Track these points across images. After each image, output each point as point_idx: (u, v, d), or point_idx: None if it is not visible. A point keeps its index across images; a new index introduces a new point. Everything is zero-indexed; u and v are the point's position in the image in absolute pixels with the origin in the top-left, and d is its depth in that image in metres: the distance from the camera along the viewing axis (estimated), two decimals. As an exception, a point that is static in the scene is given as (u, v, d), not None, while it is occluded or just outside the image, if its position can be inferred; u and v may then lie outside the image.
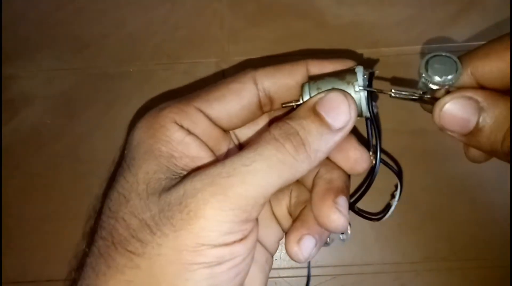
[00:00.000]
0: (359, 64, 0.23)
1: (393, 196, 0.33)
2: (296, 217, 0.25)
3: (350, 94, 0.21)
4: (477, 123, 0.20)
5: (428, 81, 0.21)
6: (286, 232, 0.24)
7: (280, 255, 0.35)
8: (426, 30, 0.37)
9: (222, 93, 0.22)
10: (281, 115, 0.26)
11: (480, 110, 0.20)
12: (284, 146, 0.19)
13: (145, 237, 0.18)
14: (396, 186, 0.33)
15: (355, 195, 0.27)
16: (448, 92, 0.21)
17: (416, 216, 0.35)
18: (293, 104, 0.22)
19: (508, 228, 0.34)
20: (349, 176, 0.25)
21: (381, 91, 0.22)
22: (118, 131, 0.37)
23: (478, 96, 0.20)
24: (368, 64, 0.36)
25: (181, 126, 0.21)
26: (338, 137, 0.20)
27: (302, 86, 0.22)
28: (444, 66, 0.21)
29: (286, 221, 0.27)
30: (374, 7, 0.38)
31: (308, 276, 0.33)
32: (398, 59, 0.37)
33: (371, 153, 0.24)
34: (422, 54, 0.37)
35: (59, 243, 0.35)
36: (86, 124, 0.37)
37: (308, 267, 0.33)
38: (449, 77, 0.21)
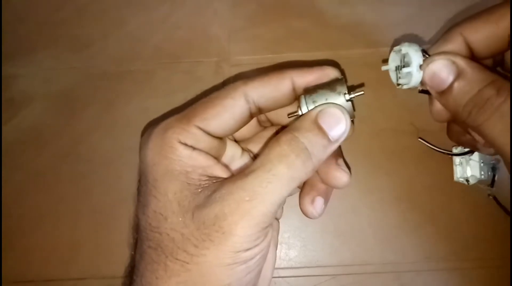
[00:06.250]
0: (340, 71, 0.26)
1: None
2: (304, 183, 0.29)
3: (346, 109, 0.24)
4: (451, 84, 0.23)
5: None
6: (300, 196, 0.29)
7: (280, 255, 0.35)
8: (426, 30, 0.37)
9: (217, 110, 0.25)
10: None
11: (458, 73, 0.23)
12: (294, 163, 0.23)
13: (190, 249, 0.22)
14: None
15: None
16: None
17: (416, 216, 0.35)
18: (297, 114, 0.26)
19: (508, 228, 0.34)
20: None
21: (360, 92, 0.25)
22: (118, 130, 0.37)
23: (461, 61, 0.23)
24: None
25: (186, 144, 0.24)
26: (335, 146, 0.24)
27: (299, 98, 0.25)
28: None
29: None
30: (374, 7, 0.38)
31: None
32: (398, 59, 0.37)
33: None
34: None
35: (59, 243, 0.35)
36: (86, 124, 0.37)
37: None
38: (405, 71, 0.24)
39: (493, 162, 0.35)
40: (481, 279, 0.34)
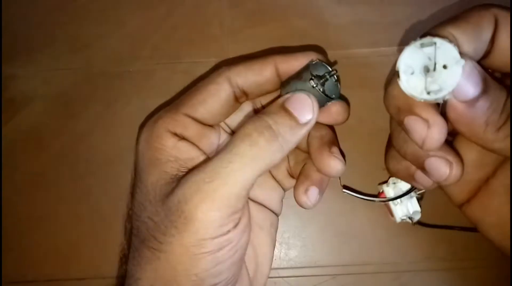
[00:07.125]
0: (319, 58, 0.26)
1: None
2: (299, 173, 0.29)
3: (313, 94, 0.25)
4: (482, 92, 0.20)
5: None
6: (294, 187, 0.28)
7: (280, 255, 0.35)
8: (426, 30, 0.37)
9: (203, 96, 0.26)
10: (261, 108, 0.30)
11: (484, 79, 0.20)
12: (257, 141, 0.22)
13: (159, 237, 0.23)
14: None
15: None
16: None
17: (416, 216, 0.35)
18: None
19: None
20: (334, 130, 0.30)
21: (333, 70, 0.25)
22: (117, 130, 0.37)
23: (479, 67, 0.20)
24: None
25: (174, 133, 0.24)
26: (304, 130, 0.24)
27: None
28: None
29: (287, 181, 0.31)
30: (374, 7, 0.38)
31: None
32: (398, 58, 0.37)
33: None
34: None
35: (59, 243, 0.36)
36: (86, 124, 0.37)
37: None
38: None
39: (420, 192, 0.33)
40: (481, 279, 0.34)
